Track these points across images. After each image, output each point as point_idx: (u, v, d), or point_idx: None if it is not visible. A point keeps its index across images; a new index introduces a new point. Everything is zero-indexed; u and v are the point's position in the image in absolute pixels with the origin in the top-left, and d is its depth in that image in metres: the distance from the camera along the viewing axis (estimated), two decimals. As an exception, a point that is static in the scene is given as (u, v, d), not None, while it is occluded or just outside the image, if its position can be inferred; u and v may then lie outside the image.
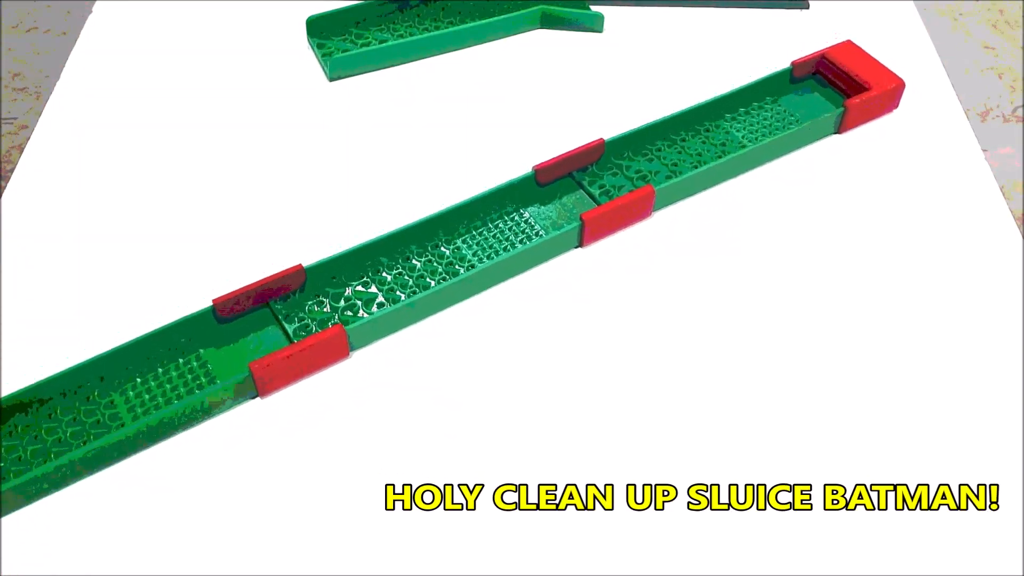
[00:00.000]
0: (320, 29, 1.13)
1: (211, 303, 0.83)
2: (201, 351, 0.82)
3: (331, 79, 0.98)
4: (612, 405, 0.81)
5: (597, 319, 0.87)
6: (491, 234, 0.93)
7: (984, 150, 1.06)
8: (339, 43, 1.09)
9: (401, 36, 1.13)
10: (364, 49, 1.08)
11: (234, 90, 1.08)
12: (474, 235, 0.93)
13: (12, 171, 0.99)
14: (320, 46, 1.09)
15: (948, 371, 0.83)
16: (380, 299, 0.87)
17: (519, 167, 0.99)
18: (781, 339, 0.85)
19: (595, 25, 1.14)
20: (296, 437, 0.78)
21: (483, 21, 1.12)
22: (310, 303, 0.86)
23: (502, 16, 1.12)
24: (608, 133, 0.99)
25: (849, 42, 1.11)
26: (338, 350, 0.82)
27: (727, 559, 0.71)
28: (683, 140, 1.03)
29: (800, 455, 0.77)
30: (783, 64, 1.09)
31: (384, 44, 1.09)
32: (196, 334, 0.83)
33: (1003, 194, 1.00)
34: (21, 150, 1.02)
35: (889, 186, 1.00)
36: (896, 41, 1.16)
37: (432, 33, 1.10)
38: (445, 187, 0.99)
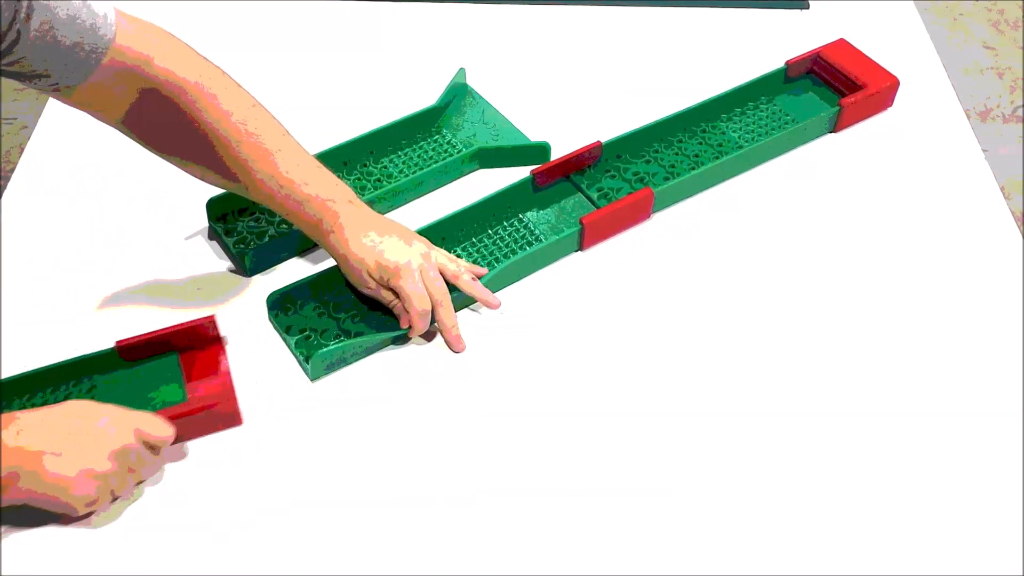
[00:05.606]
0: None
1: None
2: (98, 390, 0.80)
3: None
4: (618, 410, 0.81)
5: (599, 323, 0.87)
6: (491, 240, 0.93)
7: (984, 150, 1.05)
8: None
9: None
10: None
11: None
12: (473, 242, 0.93)
13: (12, 171, 0.99)
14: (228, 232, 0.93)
15: (948, 370, 0.83)
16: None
17: (517, 172, 0.98)
18: (782, 338, 0.86)
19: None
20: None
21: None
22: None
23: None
24: (605, 136, 0.99)
25: (842, 40, 1.11)
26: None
27: (727, 560, 0.72)
28: (680, 141, 1.03)
29: (799, 455, 0.77)
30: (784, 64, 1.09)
31: None
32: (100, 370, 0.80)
33: (1003, 194, 1.00)
34: (21, 150, 1.01)
35: (889, 186, 1.00)
36: (896, 41, 1.16)
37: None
38: (443, 193, 0.99)
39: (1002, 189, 1.15)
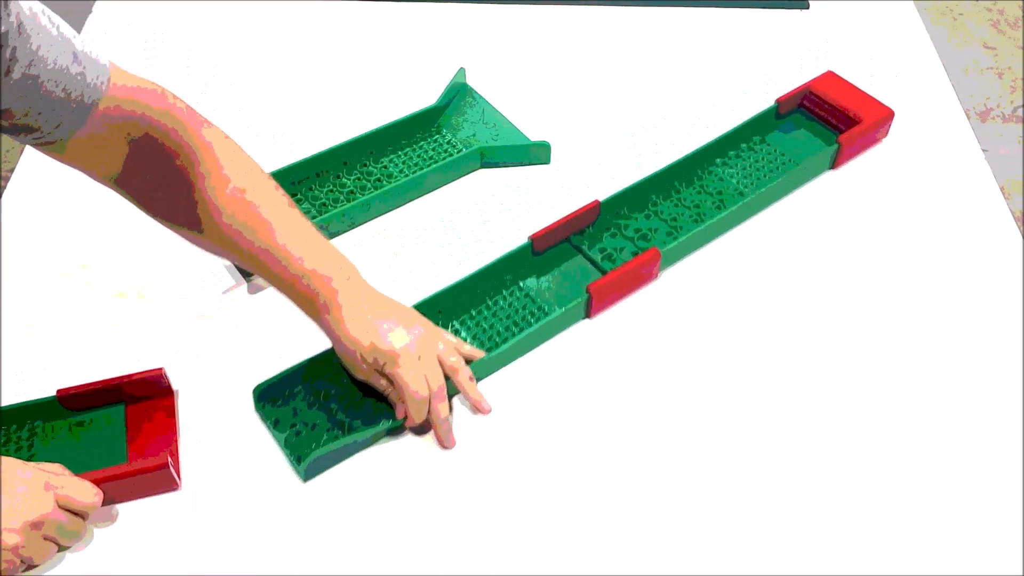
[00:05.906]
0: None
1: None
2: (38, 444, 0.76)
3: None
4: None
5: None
6: (490, 312, 0.86)
7: (984, 150, 1.05)
8: None
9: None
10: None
11: (235, 89, 1.09)
12: (472, 315, 0.86)
13: (12, 171, 0.99)
14: None
15: (948, 370, 0.83)
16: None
17: (515, 238, 0.91)
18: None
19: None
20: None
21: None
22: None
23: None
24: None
25: (831, 73, 1.06)
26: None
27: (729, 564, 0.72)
28: (678, 192, 0.97)
29: (804, 466, 0.77)
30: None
31: None
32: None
33: (1003, 194, 1.00)
34: (21, 150, 1.01)
35: (889, 187, 0.99)
36: (896, 41, 1.16)
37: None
38: (443, 193, 0.99)
39: (1002, 189, 1.15)
